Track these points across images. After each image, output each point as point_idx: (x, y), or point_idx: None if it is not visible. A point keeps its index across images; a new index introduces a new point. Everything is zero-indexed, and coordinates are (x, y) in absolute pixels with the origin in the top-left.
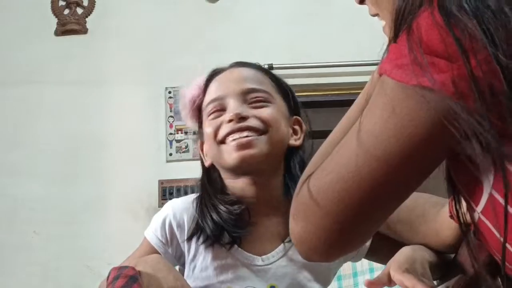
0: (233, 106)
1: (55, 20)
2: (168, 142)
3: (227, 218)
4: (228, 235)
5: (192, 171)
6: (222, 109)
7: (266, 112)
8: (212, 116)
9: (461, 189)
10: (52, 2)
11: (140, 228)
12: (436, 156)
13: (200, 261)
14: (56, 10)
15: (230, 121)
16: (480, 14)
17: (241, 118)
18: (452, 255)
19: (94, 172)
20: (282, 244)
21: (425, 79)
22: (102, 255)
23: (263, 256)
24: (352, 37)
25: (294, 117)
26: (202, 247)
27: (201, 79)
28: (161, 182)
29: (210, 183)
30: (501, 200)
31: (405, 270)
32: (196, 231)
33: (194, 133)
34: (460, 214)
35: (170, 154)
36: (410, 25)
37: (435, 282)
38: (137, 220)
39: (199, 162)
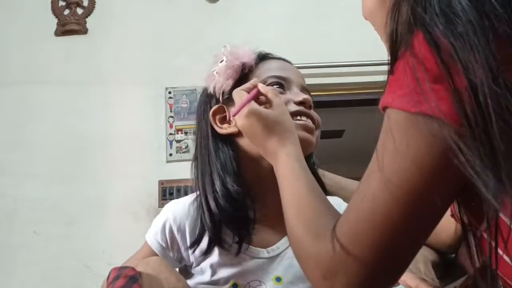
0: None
1: (55, 20)
2: (168, 142)
3: (232, 217)
4: (234, 235)
5: None
6: (283, 89)
7: (316, 114)
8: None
9: (464, 208)
10: (52, 2)
11: (140, 228)
12: (457, 177)
13: (206, 260)
14: (56, 10)
15: (301, 103)
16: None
17: (310, 106)
18: (453, 255)
19: (94, 172)
20: (286, 236)
21: (426, 107)
22: (102, 255)
23: (268, 248)
24: (356, 36)
25: None
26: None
27: (251, 49)
28: (161, 183)
29: (218, 155)
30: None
31: (408, 270)
32: (197, 242)
33: (194, 133)
34: (461, 213)
35: (170, 155)
36: (405, 52)
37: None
38: (137, 220)
39: None
